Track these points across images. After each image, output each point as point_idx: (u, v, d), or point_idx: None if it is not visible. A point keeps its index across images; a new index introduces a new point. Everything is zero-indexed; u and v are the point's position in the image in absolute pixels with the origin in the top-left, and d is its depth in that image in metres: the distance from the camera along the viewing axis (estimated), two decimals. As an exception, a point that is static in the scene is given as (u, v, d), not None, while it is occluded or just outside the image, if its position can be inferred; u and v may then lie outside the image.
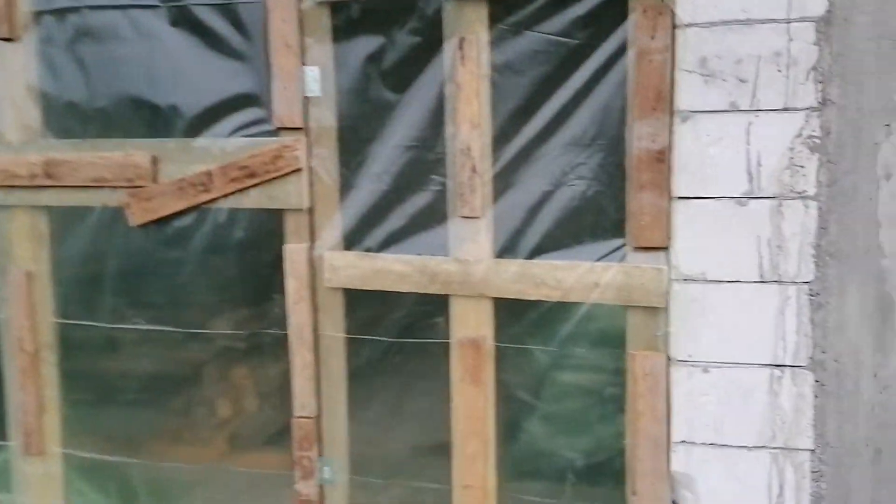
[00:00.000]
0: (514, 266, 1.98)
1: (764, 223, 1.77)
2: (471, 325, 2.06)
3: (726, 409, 1.86)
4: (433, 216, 2.05)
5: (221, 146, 2.13)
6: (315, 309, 2.19)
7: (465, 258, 2.02)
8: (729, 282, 1.82)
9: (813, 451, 1.82)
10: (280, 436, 2.27)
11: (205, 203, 2.17)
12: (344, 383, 2.22)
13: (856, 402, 1.80)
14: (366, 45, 2.01)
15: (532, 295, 1.98)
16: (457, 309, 2.07)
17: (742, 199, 1.78)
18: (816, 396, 1.82)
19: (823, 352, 1.80)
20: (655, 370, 1.91)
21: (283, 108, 2.08)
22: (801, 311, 1.79)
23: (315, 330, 2.20)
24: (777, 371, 1.82)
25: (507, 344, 2.04)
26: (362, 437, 2.23)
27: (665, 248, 1.86)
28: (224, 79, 2.12)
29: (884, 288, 1.74)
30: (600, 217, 1.93)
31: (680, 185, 1.81)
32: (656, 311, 1.90)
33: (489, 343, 2.05)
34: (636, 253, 1.89)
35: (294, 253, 2.16)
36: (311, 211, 2.15)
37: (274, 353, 2.25)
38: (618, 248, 1.91)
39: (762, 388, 1.83)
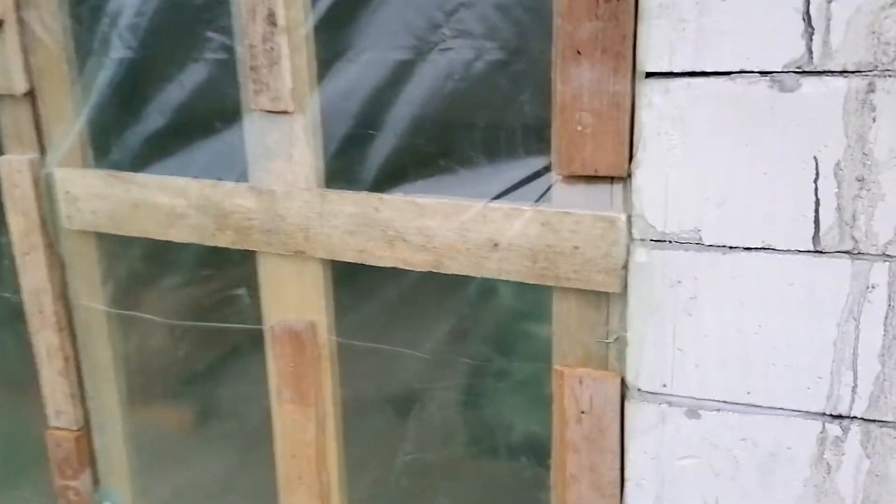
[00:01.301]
0: (349, 203, 1.07)
1: (832, 129, 0.82)
2: (289, 303, 1.18)
3: (728, 485, 0.97)
4: (218, 109, 1.13)
5: None
6: (60, 264, 1.33)
7: (270, 187, 1.12)
8: (748, 249, 0.89)
9: (893, 574, 0.93)
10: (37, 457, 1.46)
11: None
12: (115, 380, 1.38)
13: None
14: None
15: (382, 258, 1.07)
16: (267, 275, 1.18)
17: (786, 77, 0.82)
18: (910, 477, 0.91)
19: (935, 397, 0.88)
20: (600, 404, 1.01)
21: None
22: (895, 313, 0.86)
23: (65, 297, 1.35)
24: (834, 427, 0.91)
25: (356, 341, 1.16)
26: (151, 459, 1.41)
27: (622, 180, 0.93)
28: None
29: None
30: (501, 114, 0.99)
31: (654, 48, 0.85)
32: (603, 299, 0.98)
33: (322, 337, 1.17)
34: (568, 186, 0.96)
35: (13, 170, 1.28)
36: (32, 97, 1.25)
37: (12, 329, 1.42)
38: (534, 177, 0.98)
39: (802, 457, 0.93)
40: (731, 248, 0.90)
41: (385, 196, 1.05)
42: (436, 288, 1.06)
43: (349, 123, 1.05)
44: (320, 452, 1.22)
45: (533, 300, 1.01)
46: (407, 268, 1.06)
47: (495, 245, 1.00)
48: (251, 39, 1.05)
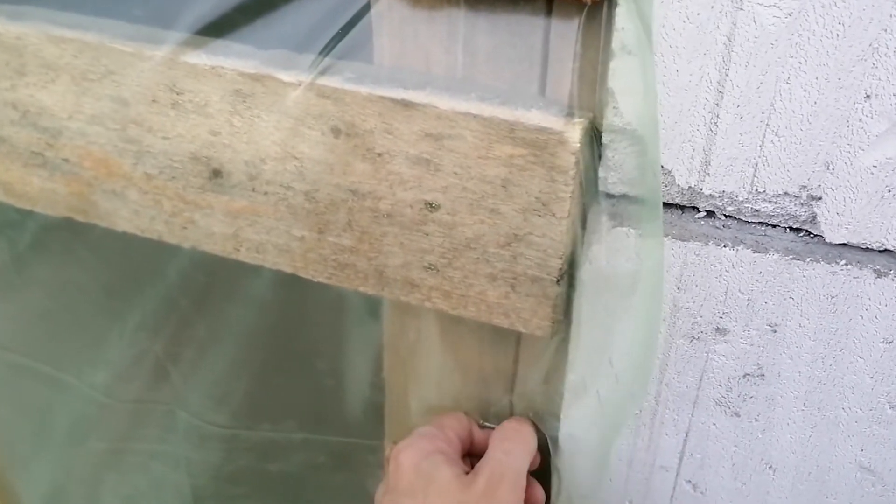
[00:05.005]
0: None
1: None
2: None
3: None
4: None
5: None
6: None
7: None
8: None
9: None
10: None
11: None
12: None
13: None
14: None
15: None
16: None
17: None
18: None
19: None
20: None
21: None
22: None
23: None
24: None
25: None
26: None
27: (583, 6, 0.27)
28: None
29: None
30: None
31: None
32: (506, 340, 0.36)
33: None
34: (412, 13, 0.29)
35: None
36: None
37: None
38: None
39: None
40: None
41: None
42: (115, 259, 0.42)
43: None
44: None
45: (330, 314, 0.38)
46: (21, 204, 0.41)
47: (215, 173, 0.35)
48: None
